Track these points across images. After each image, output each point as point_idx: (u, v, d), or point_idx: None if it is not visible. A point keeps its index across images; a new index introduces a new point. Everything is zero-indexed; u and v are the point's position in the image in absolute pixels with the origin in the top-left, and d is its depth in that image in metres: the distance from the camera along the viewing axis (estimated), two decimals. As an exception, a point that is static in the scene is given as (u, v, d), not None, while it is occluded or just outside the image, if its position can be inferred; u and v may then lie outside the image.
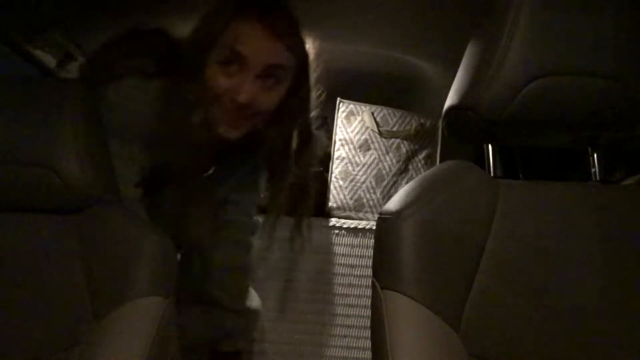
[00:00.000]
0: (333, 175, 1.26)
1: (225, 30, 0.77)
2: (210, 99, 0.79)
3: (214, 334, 0.99)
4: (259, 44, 0.77)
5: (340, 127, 1.30)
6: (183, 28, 0.84)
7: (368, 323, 0.94)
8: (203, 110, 0.80)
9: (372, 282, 0.68)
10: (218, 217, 0.97)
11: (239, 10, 0.78)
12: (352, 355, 1.22)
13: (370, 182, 1.27)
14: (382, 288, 0.65)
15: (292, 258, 1.13)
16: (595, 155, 0.76)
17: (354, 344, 1.22)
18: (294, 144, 0.89)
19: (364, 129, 1.29)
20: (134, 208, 0.82)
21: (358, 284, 1.22)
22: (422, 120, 1.32)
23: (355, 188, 1.26)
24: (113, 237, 0.72)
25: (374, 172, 1.28)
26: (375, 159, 1.28)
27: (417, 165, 1.31)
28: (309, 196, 0.93)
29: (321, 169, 1.26)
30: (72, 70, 1.15)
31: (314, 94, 0.89)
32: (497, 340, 0.62)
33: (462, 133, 0.75)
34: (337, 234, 1.24)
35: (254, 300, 1.06)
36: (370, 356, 0.67)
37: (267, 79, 0.81)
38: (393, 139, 1.30)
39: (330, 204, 1.25)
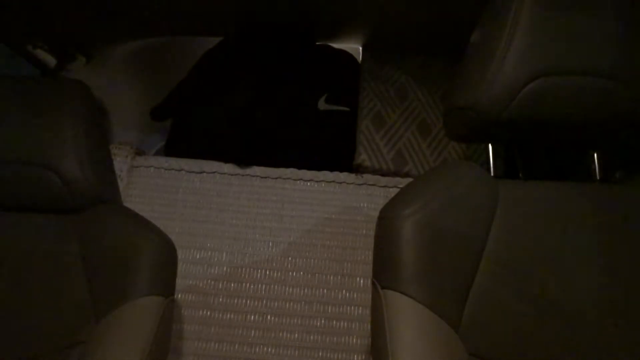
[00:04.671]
0: (363, 125, 1.10)
1: None
2: None
3: None
4: None
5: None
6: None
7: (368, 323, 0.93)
8: None
9: (372, 282, 0.68)
10: None
11: None
12: (352, 355, 1.22)
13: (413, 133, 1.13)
14: (382, 288, 0.65)
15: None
16: (595, 155, 0.76)
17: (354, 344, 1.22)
18: None
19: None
20: None
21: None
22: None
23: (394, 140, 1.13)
24: (113, 237, 0.72)
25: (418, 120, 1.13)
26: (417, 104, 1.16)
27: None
28: None
29: (348, 109, 1.12)
30: (72, 70, 1.15)
31: None
32: (497, 340, 0.62)
33: (462, 133, 0.75)
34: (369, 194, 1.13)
35: None
36: (371, 356, 0.67)
37: None
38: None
39: (362, 157, 1.10)
